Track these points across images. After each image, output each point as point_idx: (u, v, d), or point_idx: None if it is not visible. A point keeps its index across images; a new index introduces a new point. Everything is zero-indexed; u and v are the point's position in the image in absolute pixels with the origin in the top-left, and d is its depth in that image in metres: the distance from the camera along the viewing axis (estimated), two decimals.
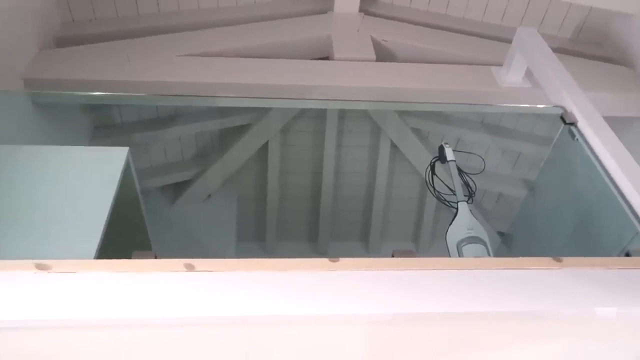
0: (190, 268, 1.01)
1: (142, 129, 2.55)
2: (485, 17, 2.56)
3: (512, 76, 2.07)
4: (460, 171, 1.75)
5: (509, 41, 2.11)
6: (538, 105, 1.88)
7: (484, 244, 1.48)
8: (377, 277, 1.04)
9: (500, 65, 2.16)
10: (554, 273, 1.08)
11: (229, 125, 2.72)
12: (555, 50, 2.08)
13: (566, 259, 1.10)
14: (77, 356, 1.01)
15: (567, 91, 1.63)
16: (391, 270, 1.05)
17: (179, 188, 2.84)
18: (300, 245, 3.17)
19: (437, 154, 1.89)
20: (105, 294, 0.96)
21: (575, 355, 1.19)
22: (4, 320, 0.92)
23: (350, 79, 2.13)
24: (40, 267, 0.99)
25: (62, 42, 2.15)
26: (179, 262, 1.01)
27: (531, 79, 2.05)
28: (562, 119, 1.60)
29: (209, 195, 2.88)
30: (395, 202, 3.06)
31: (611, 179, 1.40)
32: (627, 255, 1.16)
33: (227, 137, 2.75)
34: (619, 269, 1.09)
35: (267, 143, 2.75)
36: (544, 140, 2.45)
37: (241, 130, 2.70)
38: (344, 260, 1.06)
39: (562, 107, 1.63)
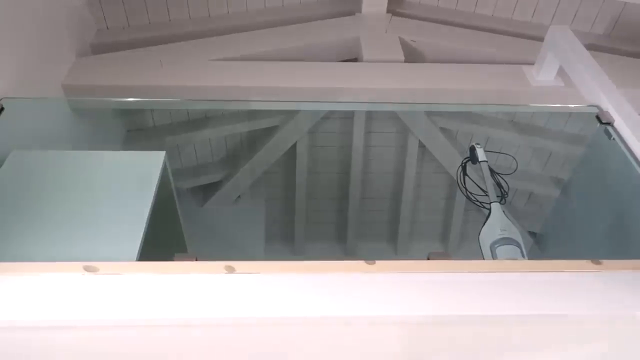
0: (230, 270, 1.04)
1: (173, 132, 2.60)
2: (515, 14, 2.53)
3: (544, 75, 2.05)
4: (492, 171, 1.74)
5: (540, 39, 2.08)
6: (571, 105, 1.86)
7: (518, 245, 1.47)
8: (413, 279, 1.05)
9: (532, 64, 2.13)
10: (592, 276, 1.07)
11: (258, 127, 2.75)
12: (588, 47, 2.04)
13: (606, 262, 1.09)
14: (125, 355, 1.05)
15: (602, 90, 1.61)
16: (427, 273, 1.06)
17: (209, 190, 2.89)
18: (328, 246, 3.19)
19: (467, 154, 1.88)
20: (150, 295, 0.99)
21: None
22: (55, 320, 0.96)
23: (379, 81, 2.13)
24: (88, 269, 1.03)
25: (98, 49, 2.21)
26: (220, 265, 1.04)
27: (564, 78, 2.02)
28: (598, 118, 1.58)
29: (239, 197, 2.92)
30: (423, 203, 3.05)
31: None
32: None
33: (256, 139, 2.79)
34: None
35: (295, 144, 2.77)
36: (576, 139, 2.41)
37: (270, 132, 2.74)
38: (380, 263, 1.07)
39: (597, 107, 1.61)
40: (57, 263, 1.03)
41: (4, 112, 1.47)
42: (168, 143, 2.56)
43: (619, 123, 1.52)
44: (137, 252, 1.22)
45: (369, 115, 2.72)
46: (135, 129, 2.54)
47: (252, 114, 2.67)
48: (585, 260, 1.08)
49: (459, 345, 1.13)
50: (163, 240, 1.65)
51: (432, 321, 1.03)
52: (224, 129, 2.72)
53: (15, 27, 1.62)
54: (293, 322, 1.00)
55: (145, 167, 1.48)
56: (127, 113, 2.51)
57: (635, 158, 1.42)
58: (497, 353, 1.13)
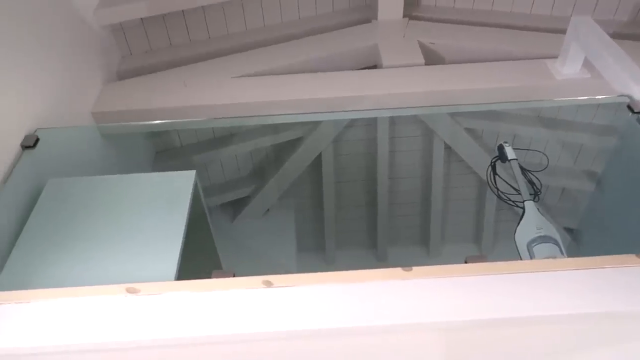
0: (268, 284, 1.05)
1: (200, 151, 2.65)
2: (534, 8, 2.50)
3: (569, 67, 2.01)
4: (522, 169, 1.71)
5: (562, 32, 2.05)
6: (600, 96, 1.82)
7: (556, 243, 1.44)
8: (452, 283, 1.04)
9: (555, 57, 2.10)
10: (637, 270, 1.04)
11: (282, 140, 2.77)
12: (612, 35, 2.00)
13: None
14: None
15: (632, 79, 1.57)
16: (466, 277, 1.05)
17: (238, 205, 2.92)
18: (360, 252, 3.18)
19: (495, 152, 1.86)
20: (192, 313, 1.01)
21: None
22: (102, 342, 0.98)
23: (400, 86, 2.13)
24: (130, 290, 1.05)
25: (123, 74, 2.27)
26: (258, 279, 1.05)
27: (590, 69, 1.98)
28: (630, 108, 1.54)
29: (268, 210, 2.94)
30: (453, 204, 3.02)
31: None
32: None
33: (281, 152, 2.81)
34: None
35: (320, 154, 2.79)
36: (606, 130, 2.35)
37: (294, 144, 2.75)
38: (417, 269, 1.07)
39: (628, 96, 1.57)
40: (100, 286, 1.06)
41: (39, 143, 1.52)
42: (196, 161, 2.60)
43: None
44: (175, 271, 1.24)
45: (392, 121, 2.71)
46: (163, 150, 2.59)
47: (276, 128, 2.70)
48: (629, 255, 1.06)
49: (503, 350, 1.11)
50: (198, 258, 1.67)
51: (474, 325, 1.01)
52: (249, 144, 2.75)
53: (45, 61, 1.68)
54: (334, 333, 1.00)
55: (177, 187, 1.51)
56: (154, 135, 2.57)
57: None
58: (543, 355, 1.11)
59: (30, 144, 1.50)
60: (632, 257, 1.06)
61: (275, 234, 2.85)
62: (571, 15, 2.23)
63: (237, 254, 2.62)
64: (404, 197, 2.99)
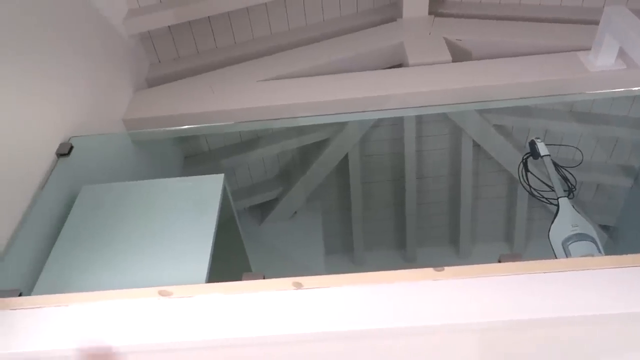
0: (298, 286, 1.05)
1: (227, 154, 2.67)
2: (564, 0, 2.43)
3: (603, 59, 1.95)
4: (556, 165, 1.67)
5: (594, 22, 1.99)
6: (636, 88, 1.75)
7: (593, 240, 1.40)
8: (485, 283, 1.02)
9: (588, 49, 2.04)
10: None
11: (309, 142, 2.78)
12: None
13: None
14: None
15: None
16: (500, 276, 1.03)
17: (265, 208, 2.93)
18: (388, 253, 3.16)
19: (526, 149, 1.82)
20: (223, 315, 1.01)
21: None
22: (136, 344, 1.00)
23: (426, 84, 2.11)
24: (162, 293, 1.06)
25: (153, 82, 2.32)
26: (288, 281, 1.05)
27: (625, 60, 1.92)
28: None
29: (295, 212, 2.95)
30: (483, 203, 2.96)
31: None
32: None
33: (308, 154, 2.81)
34: None
35: (346, 155, 2.78)
36: None
37: (321, 145, 2.76)
38: (449, 269, 1.05)
39: None
40: (134, 289, 1.08)
41: (73, 150, 1.57)
42: (224, 165, 2.63)
43: None
44: (206, 273, 1.25)
45: (419, 120, 2.68)
46: (192, 154, 2.63)
47: (302, 130, 2.70)
48: None
49: (538, 351, 1.08)
50: (228, 261, 1.69)
51: (509, 326, 0.99)
52: (276, 146, 2.77)
53: (79, 70, 1.73)
54: (365, 335, 0.99)
55: (206, 191, 1.53)
56: (183, 140, 2.61)
57: None
58: (583, 356, 1.08)
59: (65, 151, 1.54)
60: None
61: (303, 236, 2.85)
62: (604, 6, 2.16)
63: (265, 256, 2.63)
64: (432, 196, 2.96)
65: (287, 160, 2.90)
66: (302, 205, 2.95)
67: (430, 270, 1.04)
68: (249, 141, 2.70)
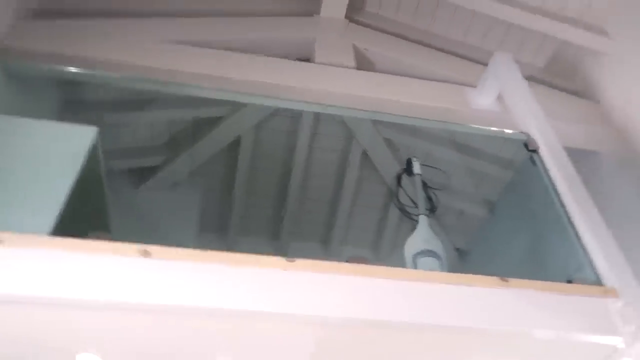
0: (145, 254, 1.01)
1: (113, 110, 2.51)
2: (466, 38, 2.62)
3: (483, 98, 2.14)
4: (424, 185, 1.80)
5: (486, 63, 2.17)
6: (505, 130, 1.94)
7: (439, 258, 1.52)
8: (329, 280, 1.07)
9: (475, 86, 2.22)
10: (498, 292, 1.12)
11: (203, 116, 2.70)
12: (528, 77, 2.15)
13: (512, 280, 1.15)
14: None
15: (532, 119, 1.70)
16: (345, 275, 1.08)
17: (146, 173, 2.80)
18: (262, 242, 3.18)
19: (405, 166, 1.94)
20: (56, 272, 0.95)
21: None
22: None
23: (329, 84, 2.15)
24: None
25: (41, 14, 2.10)
26: (134, 247, 1.01)
27: (502, 104, 2.12)
28: (525, 145, 1.67)
29: (176, 184, 2.86)
30: (360, 209, 3.09)
31: (564, 209, 1.46)
32: (569, 282, 1.21)
33: (200, 128, 2.73)
34: (560, 293, 1.14)
35: (239, 138, 2.75)
36: (508, 163, 2.52)
37: (215, 122, 2.69)
38: (300, 262, 1.08)
39: (527, 134, 1.70)
40: None
41: None
42: (106, 120, 2.45)
43: (543, 151, 1.61)
44: (50, 226, 1.17)
45: (317, 117, 2.73)
46: (73, 100, 2.43)
47: (198, 102, 2.62)
48: (494, 277, 1.14)
49: (363, 349, 1.15)
50: (85, 220, 1.59)
51: (341, 323, 1.04)
52: (168, 113, 2.65)
53: None
54: (200, 312, 0.98)
55: (75, 141, 1.43)
56: (66, 84, 2.39)
57: (554, 186, 1.51)
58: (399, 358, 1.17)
59: None
60: (496, 279, 1.14)
61: (179, 209, 2.77)
62: (497, 50, 2.35)
63: (134, 222, 2.52)
64: (314, 194, 3.03)
65: (177, 129, 2.80)
66: (184, 179, 2.86)
67: (282, 260, 1.07)
68: (140, 101, 2.56)
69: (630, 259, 1.36)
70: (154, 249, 1.02)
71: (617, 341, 1.08)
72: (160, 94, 2.53)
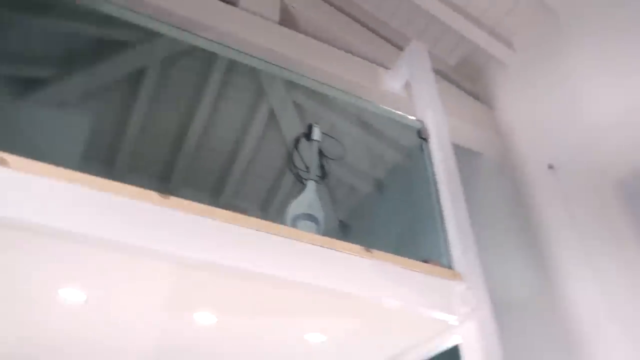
0: (2, 162, 0.93)
1: (9, 8, 2.24)
2: (392, 20, 2.67)
3: (394, 82, 2.21)
4: (320, 153, 1.83)
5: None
6: (407, 116, 2.03)
7: (318, 224, 1.57)
8: (201, 222, 1.06)
9: (390, 69, 2.28)
10: (361, 260, 1.19)
11: (109, 38, 2.50)
12: (437, 71, 2.25)
13: (375, 252, 1.22)
14: None
15: (430, 110, 1.79)
16: (216, 220, 1.08)
17: (31, 84, 2.55)
18: (151, 182, 3.05)
19: (306, 131, 1.96)
20: None
21: (358, 335, 1.33)
22: None
23: (249, 32, 2.09)
24: None
25: None
26: None
27: (408, 90, 2.20)
28: (418, 132, 1.76)
29: (64, 103, 2.63)
30: (257, 167, 3.08)
31: (437, 197, 1.57)
32: (425, 261, 1.32)
33: (106, 49, 2.53)
34: (413, 270, 1.23)
35: (144, 68, 2.59)
36: (402, 147, 2.63)
37: (121, 46, 2.51)
38: (175, 200, 1.06)
39: (422, 122, 1.79)
40: None
41: None
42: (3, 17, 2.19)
43: (433, 142, 1.70)
44: None
45: (230, 66, 2.65)
46: None
47: (109, 20, 2.40)
48: (358, 246, 1.20)
49: (219, 293, 1.17)
50: None
51: (201, 266, 1.05)
52: (71, 25, 2.42)
53: None
54: (58, 235, 0.93)
55: None
56: None
57: (433, 174, 1.62)
58: (257, 309, 1.20)
59: None
60: (361, 248, 1.20)
61: (64, 131, 2.56)
62: (415, 39, 2.42)
63: (13, 135, 2.29)
64: (213, 143, 2.96)
65: (79, 44, 2.56)
66: (75, 100, 2.65)
67: (155, 194, 1.04)
68: (42, 5, 2.30)
69: (489, 253, 1.51)
70: (15, 159, 0.94)
71: (452, 319, 1.20)
72: (64, 1, 2.30)
